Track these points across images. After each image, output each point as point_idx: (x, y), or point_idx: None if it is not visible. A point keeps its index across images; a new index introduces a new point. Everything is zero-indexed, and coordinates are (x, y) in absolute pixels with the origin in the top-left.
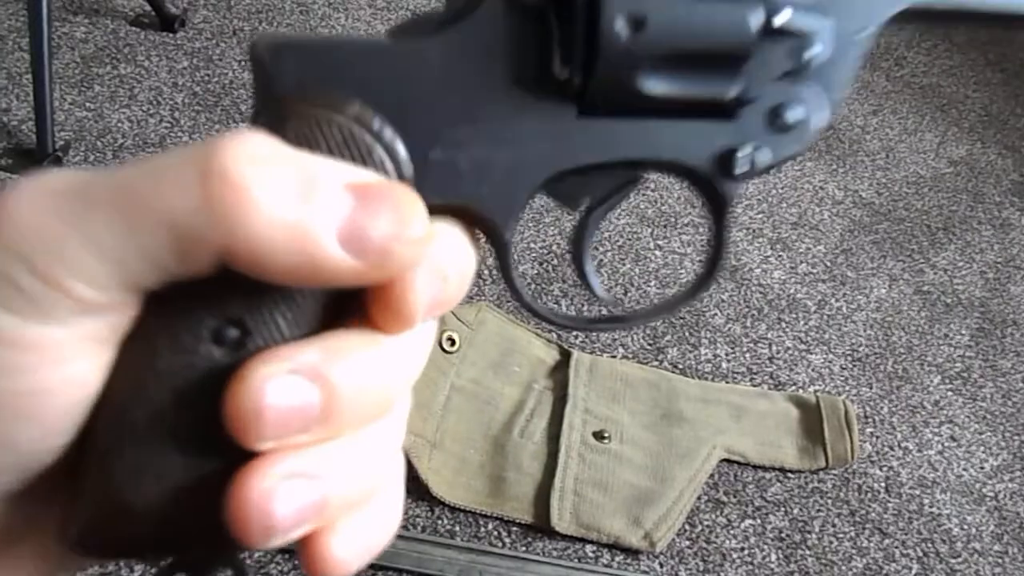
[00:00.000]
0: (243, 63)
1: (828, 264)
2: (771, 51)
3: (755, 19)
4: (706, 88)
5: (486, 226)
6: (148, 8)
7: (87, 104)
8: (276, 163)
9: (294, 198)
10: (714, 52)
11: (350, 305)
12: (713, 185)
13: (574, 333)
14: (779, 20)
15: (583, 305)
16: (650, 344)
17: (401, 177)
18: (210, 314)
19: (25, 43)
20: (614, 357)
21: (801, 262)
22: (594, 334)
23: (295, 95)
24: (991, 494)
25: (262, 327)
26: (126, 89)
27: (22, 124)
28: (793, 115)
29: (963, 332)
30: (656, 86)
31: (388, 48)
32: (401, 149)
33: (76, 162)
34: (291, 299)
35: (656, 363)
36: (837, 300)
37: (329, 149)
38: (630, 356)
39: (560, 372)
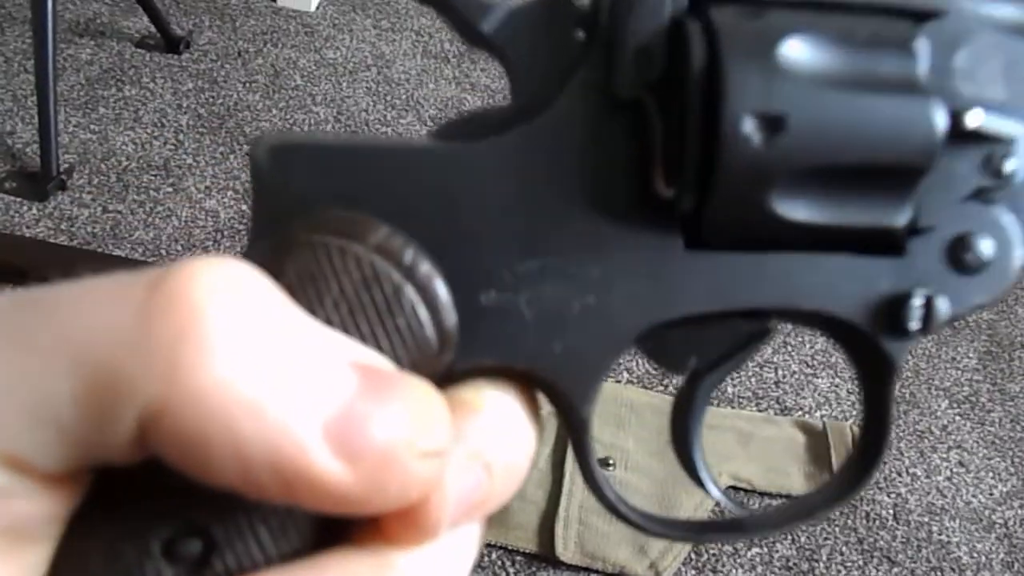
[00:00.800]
0: (247, 84)
1: None
2: (957, 163)
3: (939, 118)
4: (866, 214)
5: (557, 397)
6: (153, 30)
7: (91, 126)
8: (256, 307)
9: (271, 363)
10: (880, 165)
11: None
12: (874, 345)
13: None
14: (972, 121)
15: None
16: (655, 368)
17: (440, 329)
18: (164, 517)
19: (30, 65)
20: (619, 382)
21: None
22: None
23: (302, 217)
24: (1001, 521)
25: (234, 541)
26: (131, 111)
27: (27, 147)
28: (983, 249)
29: (971, 355)
30: (797, 211)
31: (428, 153)
32: (441, 290)
33: (80, 184)
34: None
35: (661, 388)
36: None
37: (342, 291)
38: (635, 381)
39: None
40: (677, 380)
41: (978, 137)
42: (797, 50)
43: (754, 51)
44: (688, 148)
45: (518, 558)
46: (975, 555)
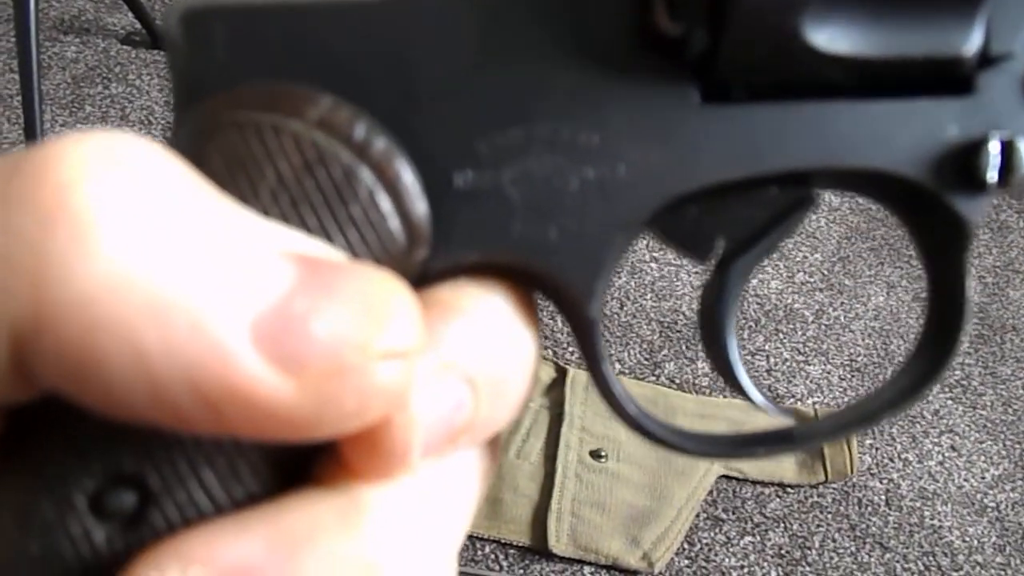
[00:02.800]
0: None
1: (825, 272)
2: None
3: None
4: (924, 40)
5: (557, 295)
6: (139, 25)
7: (78, 125)
8: (150, 183)
9: (175, 252)
10: None
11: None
12: (942, 205)
13: (570, 349)
14: None
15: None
16: (647, 359)
17: (407, 219)
18: (87, 466)
19: (15, 64)
20: None
21: (798, 271)
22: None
23: (226, 92)
24: (992, 504)
25: (174, 488)
26: (117, 109)
27: (13, 147)
28: None
29: (962, 338)
30: (836, 41)
31: (373, 6)
32: (405, 172)
33: None
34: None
35: (653, 378)
36: (835, 309)
37: (279, 177)
38: (627, 372)
39: (556, 390)
40: (669, 370)
41: None
42: None
43: None
44: None
45: (511, 551)
46: (967, 539)
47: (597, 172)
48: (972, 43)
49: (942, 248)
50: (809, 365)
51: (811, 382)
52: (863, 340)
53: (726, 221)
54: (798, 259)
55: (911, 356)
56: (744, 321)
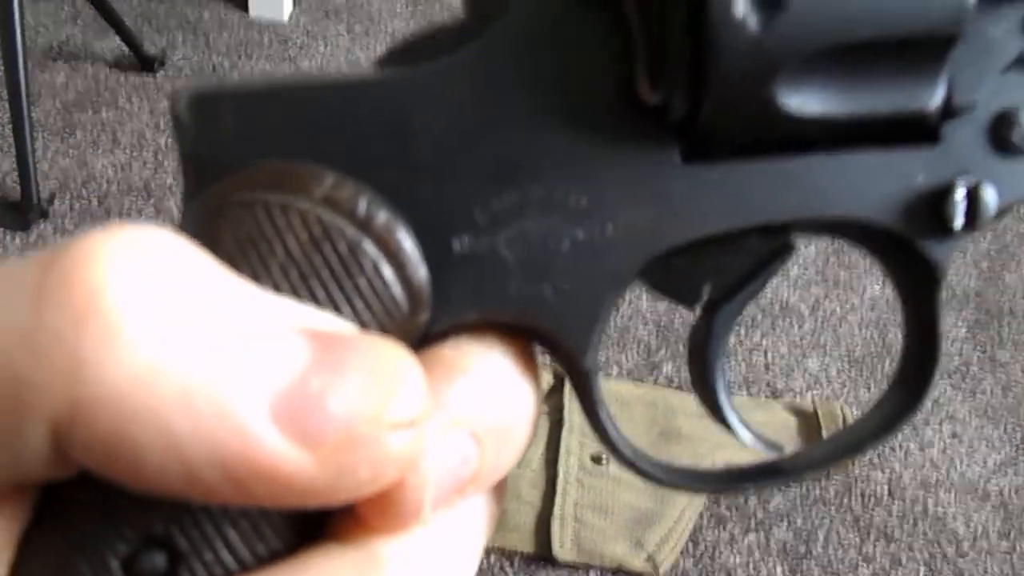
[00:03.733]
0: None
1: (820, 265)
2: (991, 27)
3: None
4: (891, 98)
5: (553, 348)
6: (127, 50)
7: (70, 152)
8: (172, 275)
9: (198, 341)
10: (901, 38)
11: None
12: (914, 250)
13: None
14: None
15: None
16: (644, 360)
17: (409, 286)
18: (120, 531)
19: (4, 92)
20: (609, 375)
21: (793, 265)
22: None
23: (234, 172)
24: (995, 490)
25: (201, 549)
26: (108, 134)
27: (6, 176)
28: None
29: (959, 325)
30: (808, 103)
31: (371, 85)
32: (405, 241)
33: (62, 212)
34: None
35: (652, 379)
36: (831, 302)
37: (288, 253)
38: (625, 374)
39: (555, 396)
40: (667, 370)
41: None
42: None
43: None
44: (672, 42)
45: (516, 559)
46: (971, 526)
47: (587, 233)
48: (936, 97)
49: (916, 288)
50: (807, 359)
51: (810, 376)
52: (860, 332)
53: (711, 269)
54: None
55: (890, 387)
56: (741, 318)
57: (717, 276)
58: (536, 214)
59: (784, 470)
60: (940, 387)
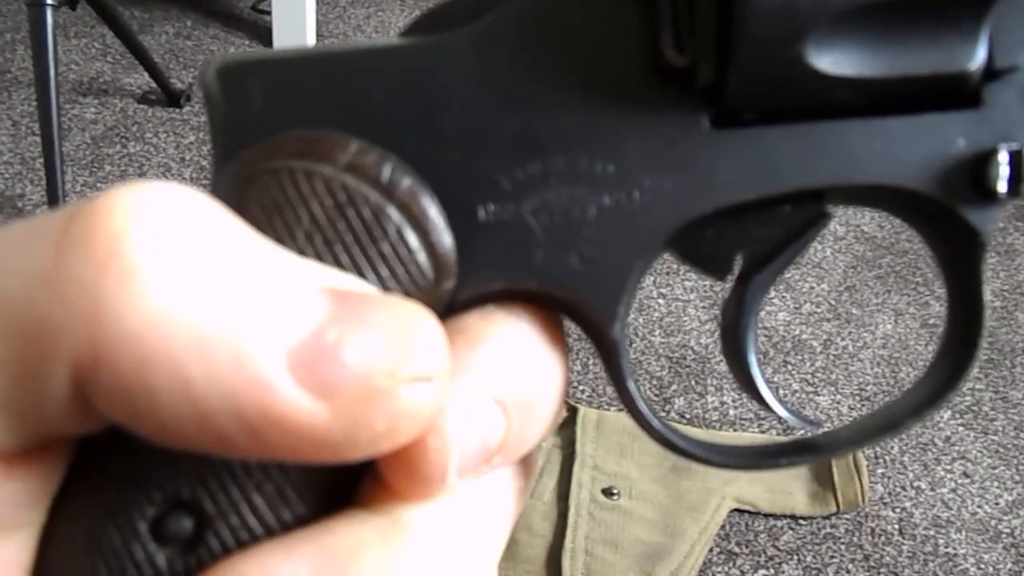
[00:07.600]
0: None
1: (832, 302)
2: None
3: None
4: (929, 58)
5: (580, 318)
6: (155, 85)
7: (99, 185)
8: (193, 228)
9: (217, 289)
10: None
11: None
12: (955, 217)
13: (580, 387)
14: None
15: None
16: (656, 394)
17: (434, 253)
18: (148, 493)
19: (37, 127)
20: (621, 411)
21: (805, 302)
22: (601, 388)
23: (261, 141)
24: (1007, 530)
25: (227, 513)
26: (135, 167)
27: (36, 209)
28: None
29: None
30: (841, 64)
31: (396, 53)
32: (430, 208)
33: None
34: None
35: (663, 413)
36: (843, 339)
37: (313, 219)
38: None
39: (567, 429)
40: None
41: None
42: None
43: None
44: (699, 3)
45: None
46: (982, 566)
47: (613, 200)
48: (976, 58)
49: (957, 258)
50: (818, 396)
51: (821, 412)
52: (872, 369)
53: (743, 240)
54: (804, 289)
55: (933, 362)
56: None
57: (749, 247)
58: (561, 182)
59: (819, 446)
60: (951, 426)
